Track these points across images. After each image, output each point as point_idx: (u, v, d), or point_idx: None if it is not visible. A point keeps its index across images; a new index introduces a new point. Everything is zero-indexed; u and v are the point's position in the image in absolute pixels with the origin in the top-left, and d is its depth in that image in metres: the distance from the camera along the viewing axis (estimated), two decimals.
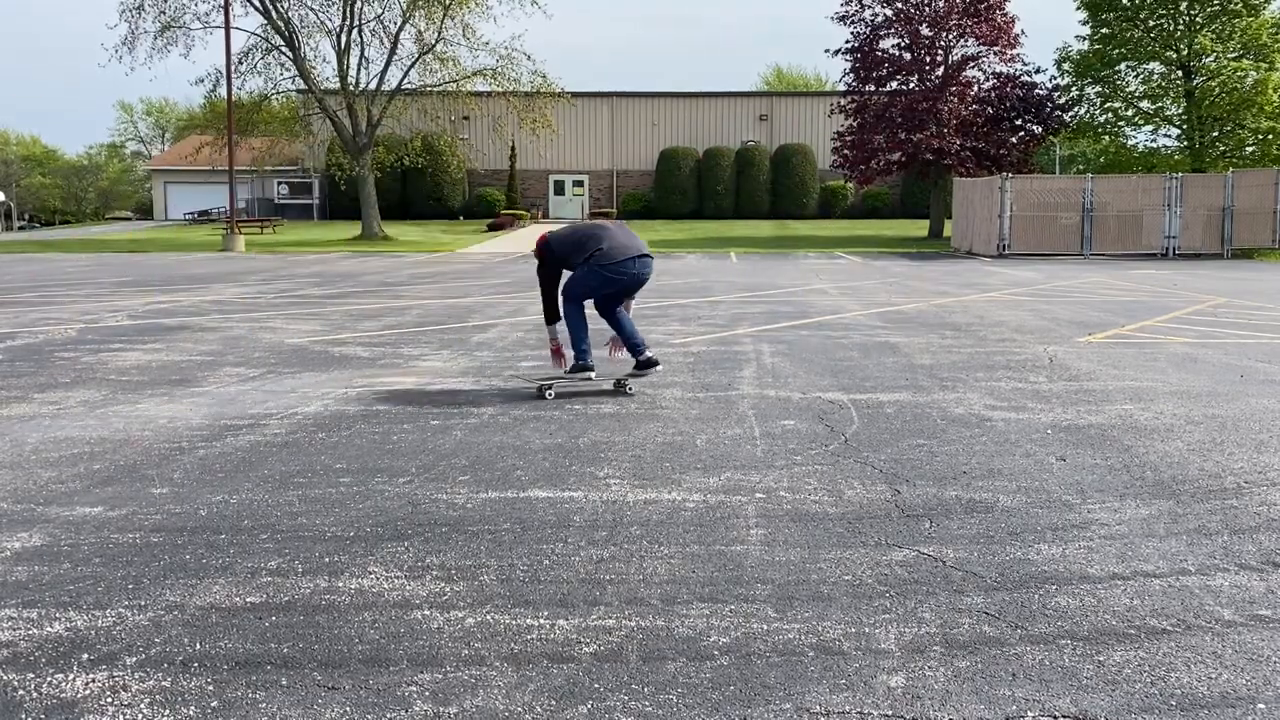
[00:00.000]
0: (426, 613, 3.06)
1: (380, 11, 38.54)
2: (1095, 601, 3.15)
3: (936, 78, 36.91)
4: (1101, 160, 39.33)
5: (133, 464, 4.89)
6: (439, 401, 6.49)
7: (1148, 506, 4.17)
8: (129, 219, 68.50)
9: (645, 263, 6.82)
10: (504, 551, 3.60)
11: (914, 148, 36.10)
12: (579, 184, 56.07)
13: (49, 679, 2.64)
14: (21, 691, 2.57)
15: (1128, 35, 37.30)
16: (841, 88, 39.57)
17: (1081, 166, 51.02)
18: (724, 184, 53.24)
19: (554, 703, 2.50)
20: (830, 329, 10.66)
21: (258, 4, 37.38)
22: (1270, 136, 34.76)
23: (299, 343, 9.46)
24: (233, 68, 34.79)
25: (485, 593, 3.21)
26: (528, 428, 5.69)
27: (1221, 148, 36.54)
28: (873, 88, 37.83)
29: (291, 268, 23.14)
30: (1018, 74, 37.13)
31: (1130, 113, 39.08)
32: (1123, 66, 38.38)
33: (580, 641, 2.85)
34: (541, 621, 2.98)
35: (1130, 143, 39.52)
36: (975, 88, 37.27)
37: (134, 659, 2.76)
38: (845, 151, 38.06)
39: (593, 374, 6.81)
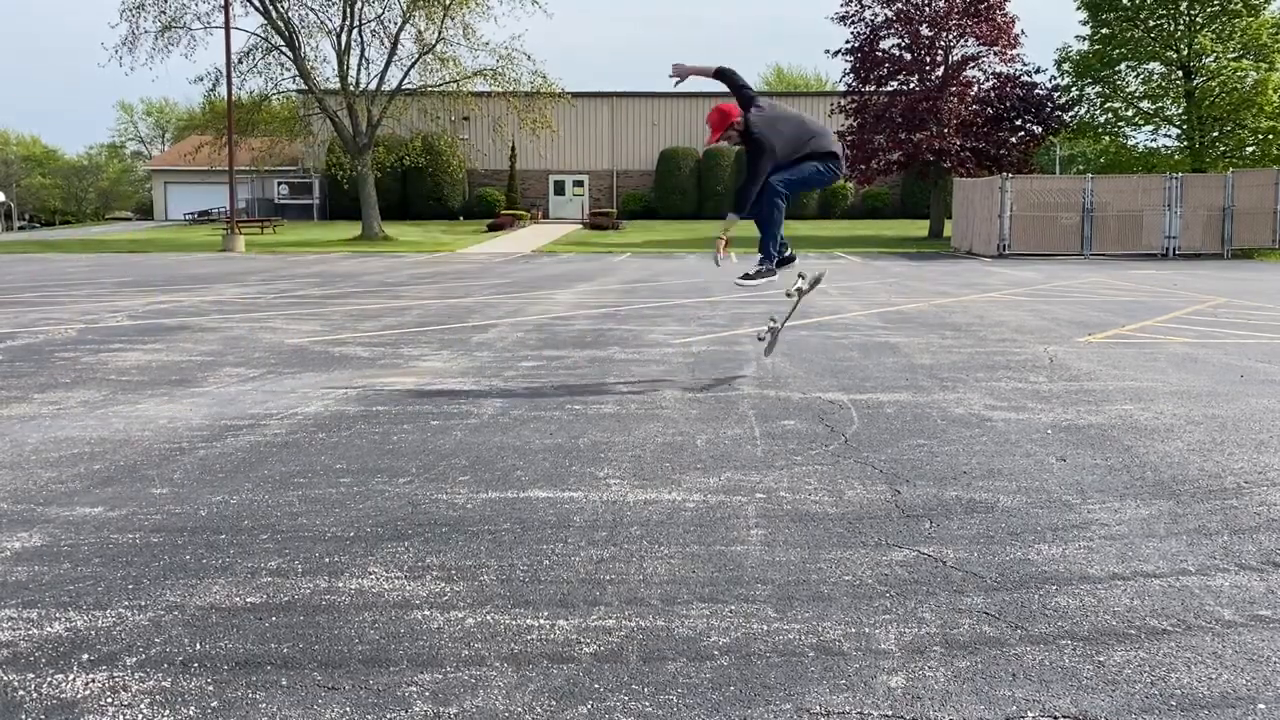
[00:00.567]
0: (426, 613, 3.05)
1: (380, 12, 38.57)
2: (1095, 602, 3.15)
3: (936, 78, 36.93)
4: (1101, 160, 39.36)
5: (133, 464, 4.89)
6: (439, 402, 6.49)
7: (1148, 506, 4.17)
8: (129, 219, 68.51)
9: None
10: (504, 551, 3.60)
11: (914, 148, 36.14)
12: (579, 184, 56.09)
13: (49, 679, 2.64)
14: (21, 691, 2.57)
15: (1128, 35, 37.32)
16: (841, 88, 39.60)
17: (1081, 166, 51.01)
18: (724, 184, 53.26)
19: (554, 703, 2.50)
20: (830, 329, 10.66)
21: (258, 4, 37.44)
22: (1270, 136, 34.78)
23: (299, 343, 9.46)
24: (233, 68, 34.81)
25: (485, 593, 3.21)
26: (528, 428, 5.69)
27: (1221, 148, 36.56)
28: (873, 88, 37.87)
29: (292, 268, 23.15)
30: (1018, 74, 37.18)
31: (1130, 113, 39.11)
32: (1123, 67, 38.41)
33: (580, 641, 2.85)
34: (541, 622, 2.98)
35: (1130, 143, 39.56)
36: (975, 88, 37.31)
37: (134, 659, 2.76)
38: (846, 151, 38.04)
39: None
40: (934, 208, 39.74)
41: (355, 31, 38.56)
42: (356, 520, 3.98)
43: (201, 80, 38.41)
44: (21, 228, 64.51)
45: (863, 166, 37.58)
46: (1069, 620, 3.00)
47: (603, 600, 3.15)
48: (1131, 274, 21.12)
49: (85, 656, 2.77)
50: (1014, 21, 36.92)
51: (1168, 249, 28.66)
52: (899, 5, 37.03)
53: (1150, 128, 39.42)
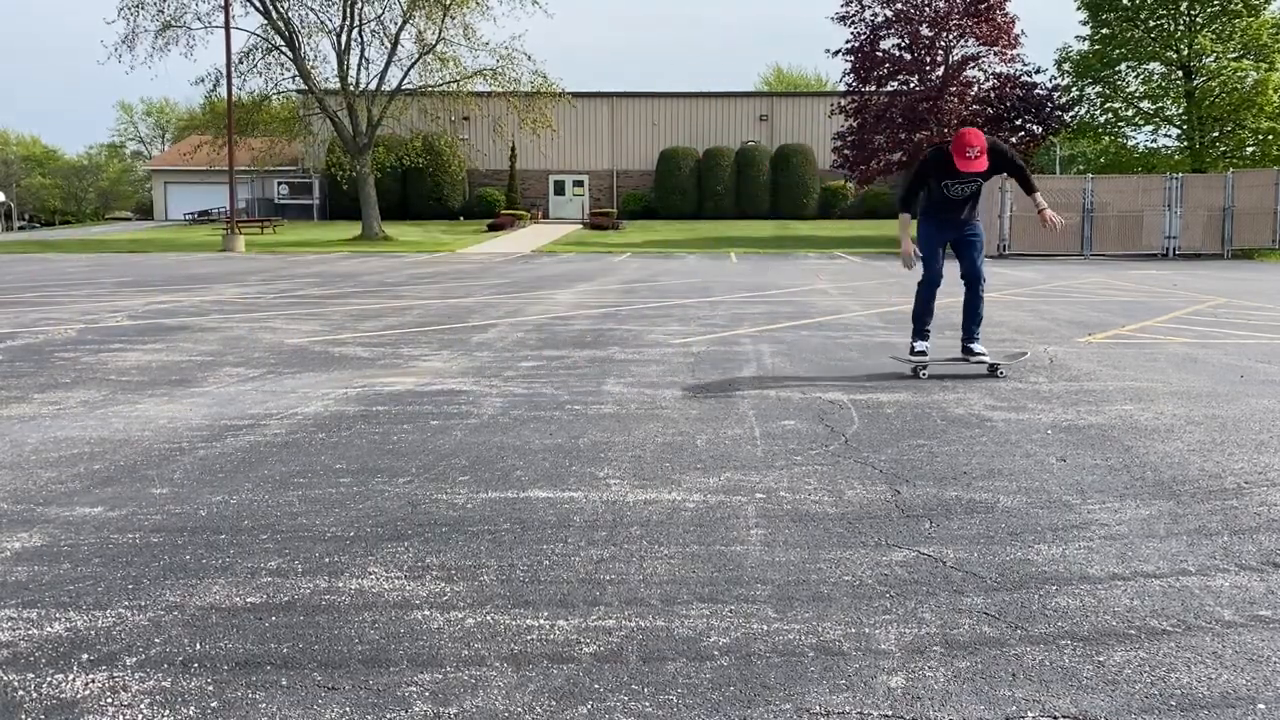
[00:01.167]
0: (426, 613, 3.05)
1: (380, 12, 38.57)
2: (1095, 602, 3.15)
3: (937, 78, 36.95)
4: (1102, 160, 39.37)
5: (133, 464, 4.89)
6: (439, 402, 6.49)
7: (1148, 507, 4.17)
8: (129, 219, 68.49)
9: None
10: (504, 552, 3.60)
11: (914, 147, 36.13)
12: (579, 184, 56.10)
13: (49, 679, 2.64)
14: (21, 691, 2.57)
15: (1128, 35, 37.33)
16: (842, 88, 39.60)
17: (1082, 167, 51.03)
18: (724, 184, 53.28)
19: (554, 703, 2.50)
20: (830, 329, 10.66)
21: (258, 4, 37.43)
22: (1270, 137, 34.79)
23: (299, 343, 9.46)
24: (233, 67, 34.81)
25: (485, 593, 3.21)
26: (527, 428, 5.69)
27: (1222, 148, 36.57)
28: (873, 88, 37.87)
29: (292, 268, 23.15)
30: (1018, 74, 37.18)
31: (1130, 113, 39.11)
32: (1123, 67, 38.40)
33: (580, 641, 2.85)
34: (541, 622, 2.98)
35: (1130, 143, 39.58)
36: (975, 88, 37.32)
37: (134, 659, 2.76)
38: (846, 151, 38.09)
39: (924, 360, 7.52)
40: None
41: (355, 31, 38.58)
42: (356, 520, 3.98)
43: (203, 81, 38.39)
44: (21, 228, 64.50)
45: (863, 167, 37.59)
46: (1069, 620, 3.00)
47: (603, 600, 3.15)
48: (1131, 274, 21.12)
49: (85, 656, 2.77)
50: (1014, 21, 36.95)
51: (1168, 249, 28.67)
52: (899, 5, 37.04)
53: (1150, 128, 39.44)
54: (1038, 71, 37.66)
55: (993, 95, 36.98)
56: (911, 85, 37.34)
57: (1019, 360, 8.08)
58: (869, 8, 37.61)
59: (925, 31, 36.90)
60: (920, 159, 7.52)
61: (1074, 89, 38.81)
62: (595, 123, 55.58)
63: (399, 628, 2.95)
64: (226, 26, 33.99)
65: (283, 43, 37.85)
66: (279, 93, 39.96)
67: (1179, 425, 5.76)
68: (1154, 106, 38.71)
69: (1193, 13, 36.56)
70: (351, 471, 4.73)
